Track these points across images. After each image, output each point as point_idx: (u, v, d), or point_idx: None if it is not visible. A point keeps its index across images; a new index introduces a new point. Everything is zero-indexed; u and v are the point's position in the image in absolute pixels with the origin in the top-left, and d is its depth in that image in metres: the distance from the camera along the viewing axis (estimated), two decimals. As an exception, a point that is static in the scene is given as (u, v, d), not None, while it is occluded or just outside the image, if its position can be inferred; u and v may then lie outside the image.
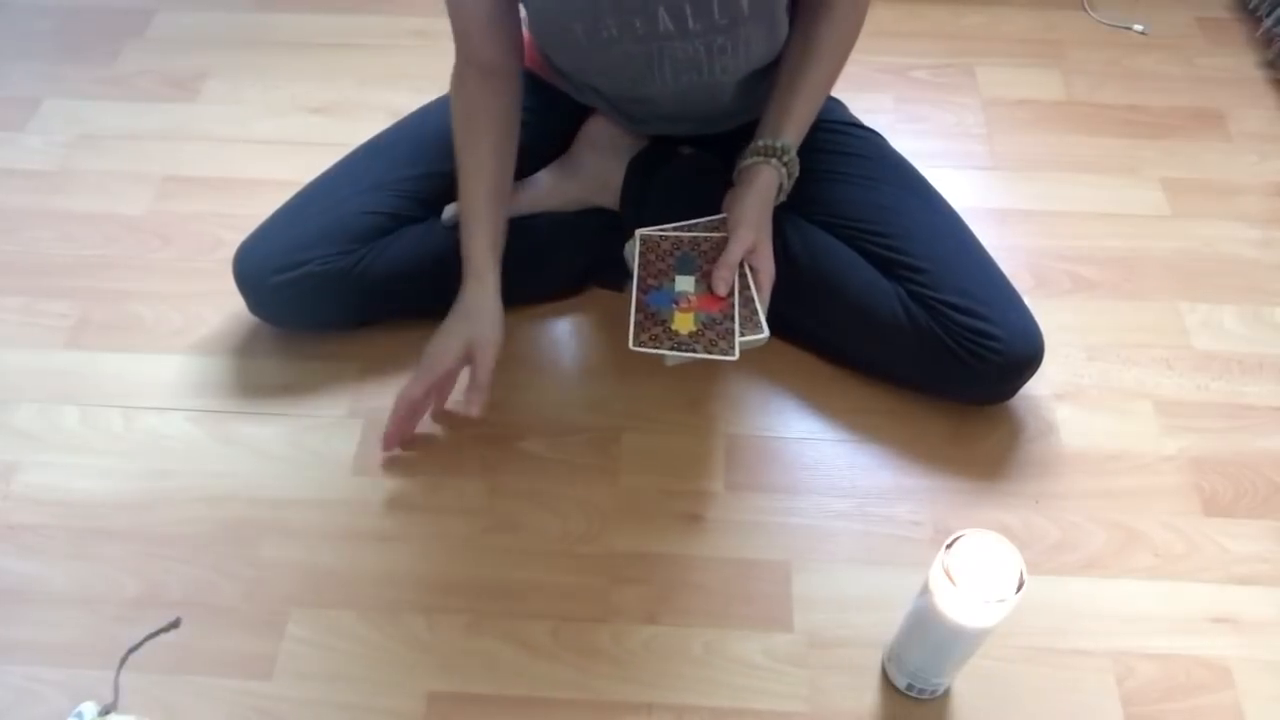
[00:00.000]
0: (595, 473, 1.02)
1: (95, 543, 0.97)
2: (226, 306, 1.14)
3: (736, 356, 0.91)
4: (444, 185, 1.07)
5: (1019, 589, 0.71)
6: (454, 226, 1.07)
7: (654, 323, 0.94)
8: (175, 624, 0.92)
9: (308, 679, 0.88)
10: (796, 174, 0.98)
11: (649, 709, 0.87)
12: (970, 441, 1.05)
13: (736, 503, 1.00)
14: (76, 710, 0.84)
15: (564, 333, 1.15)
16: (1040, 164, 1.34)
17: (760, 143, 0.96)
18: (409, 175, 1.07)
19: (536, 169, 1.11)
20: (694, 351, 0.92)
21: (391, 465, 1.03)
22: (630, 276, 1.00)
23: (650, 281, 0.97)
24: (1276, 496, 1.01)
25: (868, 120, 1.14)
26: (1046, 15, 1.56)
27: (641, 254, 0.98)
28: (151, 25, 1.54)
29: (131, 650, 0.90)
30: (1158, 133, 1.38)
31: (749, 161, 0.97)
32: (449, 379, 1.01)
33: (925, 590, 0.76)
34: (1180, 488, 1.02)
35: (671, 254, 0.98)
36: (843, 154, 1.08)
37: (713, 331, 0.93)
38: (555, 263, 1.13)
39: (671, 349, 0.92)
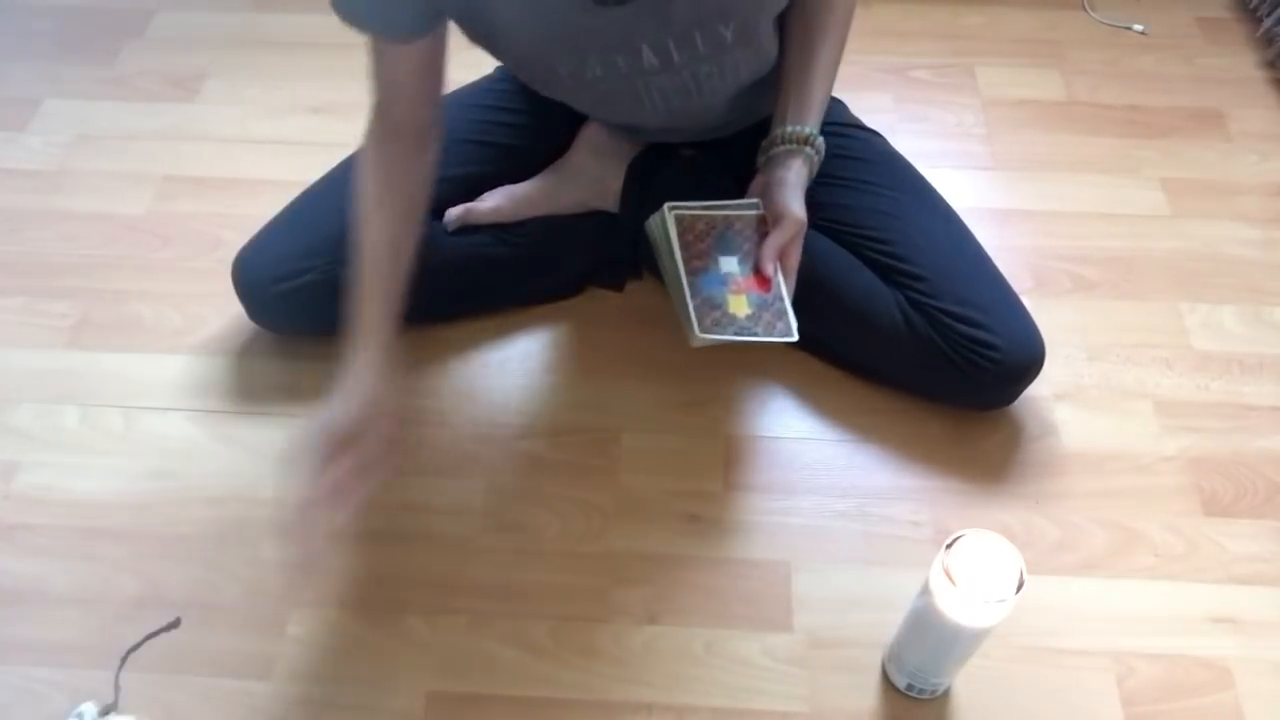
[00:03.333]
0: (595, 473, 1.02)
1: (95, 543, 0.97)
2: (226, 307, 1.14)
3: (797, 337, 0.90)
4: (444, 190, 1.07)
5: (1019, 589, 0.71)
6: (456, 231, 1.07)
7: (711, 307, 0.90)
8: (175, 624, 0.92)
9: (308, 679, 0.88)
10: (823, 155, 0.97)
11: (649, 709, 0.87)
12: (970, 441, 1.05)
13: (736, 503, 1.00)
14: (76, 710, 0.84)
15: (564, 333, 1.15)
16: (1040, 164, 1.34)
17: (788, 129, 0.94)
18: None
19: (535, 172, 1.11)
20: (755, 335, 0.89)
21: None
22: (645, 254, 0.94)
23: (695, 263, 0.92)
24: (1276, 496, 1.01)
25: (868, 120, 1.14)
26: (1046, 15, 1.56)
27: (680, 234, 0.93)
28: (151, 25, 1.54)
29: (131, 650, 0.90)
30: (1158, 133, 1.38)
31: (781, 149, 0.94)
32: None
33: (925, 590, 0.76)
34: (1180, 488, 1.02)
35: (708, 234, 0.94)
36: (844, 158, 1.07)
37: (768, 313, 0.90)
38: (554, 266, 1.13)
39: (734, 334, 0.89)
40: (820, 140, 0.95)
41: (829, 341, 1.08)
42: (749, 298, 0.91)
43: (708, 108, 0.98)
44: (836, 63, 0.98)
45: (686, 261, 0.91)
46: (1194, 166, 1.34)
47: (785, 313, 0.91)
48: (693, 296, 0.90)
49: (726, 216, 0.95)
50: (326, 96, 1.42)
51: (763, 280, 0.92)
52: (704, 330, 0.88)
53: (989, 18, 1.55)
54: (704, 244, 0.94)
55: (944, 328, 0.97)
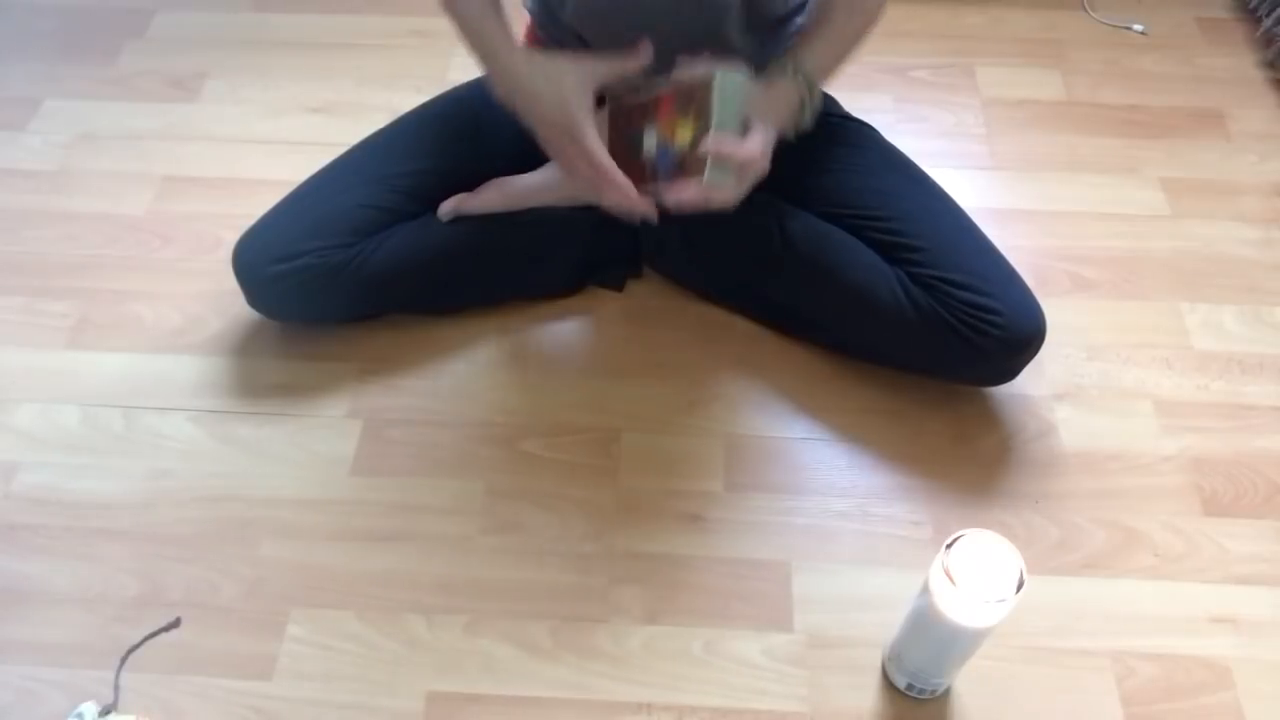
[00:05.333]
0: (595, 473, 1.02)
1: (95, 543, 0.97)
2: (227, 307, 1.14)
3: (721, 72, 0.86)
4: (441, 182, 1.07)
5: (1019, 589, 0.71)
6: (452, 222, 1.07)
7: (680, 171, 0.89)
8: (175, 624, 0.92)
9: (308, 679, 0.89)
10: (819, 105, 0.96)
11: (649, 709, 0.87)
12: (970, 441, 1.05)
13: (736, 503, 1.00)
14: (76, 710, 0.84)
15: (564, 333, 1.15)
16: (1040, 164, 1.34)
17: (776, 64, 0.93)
18: (406, 170, 1.07)
19: (535, 165, 1.11)
20: (714, 122, 0.86)
21: (392, 465, 1.03)
22: (646, 249, 0.98)
23: (646, 180, 0.92)
24: (1276, 496, 1.01)
25: (868, 120, 1.14)
26: (1046, 15, 1.56)
27: (612, 150, 0.93)
28: (151, 25, 1.54)
29: (131, 650, 0.90)
30: (1158, 133, 1.38)
31: (765, 77, 0.93)
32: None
33: (925, 590, 0.76)
34: (1180, 488, 1.02)
35: (625, 150, 0.93)
36: (839, 145, 1.09)
37: (694, 102, 0.87)
38: (553, 259, 1.13)
39: (708, 146, 0.85)
40: (814, 82, 0.93)
41: (833, 325, 1.09)
42: (679, 115, 0.89)
43: (715, 26, 0.96)
44: (850, 38, 0.97)
45: (646, 172, 0.92)
46: (1194, 166, 1.34)
47: (710, 77, 0.86)
48: (668, 192, 0.89)
49: (616, 129, 0.94)
50: (326, 96, 1.42)
51: (666, 97, 0.90)
52: (706, 180, 0.87)
53: (989, 18, 1.55)
54: (630, 162, 0.92)
55: (946, 296, 0.97)
